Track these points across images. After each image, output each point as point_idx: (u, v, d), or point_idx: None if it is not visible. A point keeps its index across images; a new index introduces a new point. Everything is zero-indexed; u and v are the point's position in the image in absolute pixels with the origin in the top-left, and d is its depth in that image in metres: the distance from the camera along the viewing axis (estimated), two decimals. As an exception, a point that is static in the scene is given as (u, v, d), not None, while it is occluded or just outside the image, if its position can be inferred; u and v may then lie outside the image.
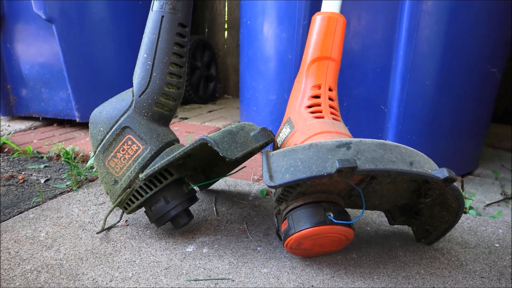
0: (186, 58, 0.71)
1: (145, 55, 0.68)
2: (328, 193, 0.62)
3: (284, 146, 0.64)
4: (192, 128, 1.47)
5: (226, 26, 2.26)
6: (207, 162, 0.83)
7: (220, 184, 0.96)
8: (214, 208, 0.83)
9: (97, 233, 0.71)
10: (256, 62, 1.18)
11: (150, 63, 0.68)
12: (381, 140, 0.51)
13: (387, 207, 0.71)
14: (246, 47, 1.23)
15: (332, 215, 0.58)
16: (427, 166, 0.52)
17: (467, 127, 1.08)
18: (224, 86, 2.44)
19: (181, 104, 1.94)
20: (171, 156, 0.62)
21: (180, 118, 1.68)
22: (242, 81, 1.30)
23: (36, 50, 1.47)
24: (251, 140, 0.62)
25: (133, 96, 0.68)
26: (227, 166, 0.86)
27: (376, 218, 0.80)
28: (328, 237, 0.60)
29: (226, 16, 2.23)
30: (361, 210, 0.83)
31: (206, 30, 2.31)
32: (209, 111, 1.84)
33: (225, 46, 2.33)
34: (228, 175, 0.80)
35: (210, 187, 0.94)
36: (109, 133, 0.67)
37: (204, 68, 2.05)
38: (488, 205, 0.94)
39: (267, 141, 0.64)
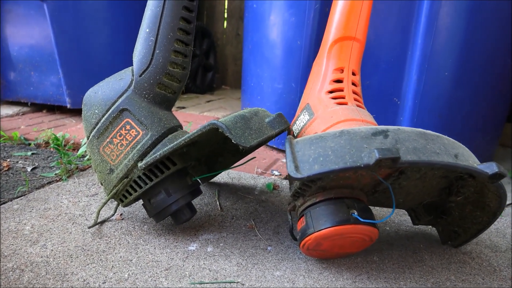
0: (192, 36, 0.64)
1: (147, 30, 0.61)
2: (351, 189, 0.55)
3: (302, 135, 0.58)
4: (191, 118, 1.39)
5: (225, 15, 2.18)
6: (211, 152, 0.76)
7: (223, 176, 0.89)
8: (218, 203, 0.76)
9: (89, 227, 0.63)
10: (261, 48, 1.10)
11: (153, 38, 0.60)
12: (420, 129, 0.45)
13: (412, 205, 0.64)
14: (251, 33, 1.15)
15: (356, 213, 0.52)
16: (471, 159, 0.45)
17: (482, 122, 1.02)
18: (222, 77, 2.36)
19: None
20: (175, 143, 0.54)
21: (177, 107, 1.60)
22: (245, 68, 1.22)
23: (26, 31, 1.38)
24: (266, 127, 0.55)
25: (132, 75, 0.61)
26: (232, 156, 0.79)
27: (394, 217, 0.74)
28: (351, 237, 0.53)
29: (226, 4, 2.15)
30: (384, 209, 0.77)
31: (205, 18, 2.23)
32: (208, 101, 1.76)
33: (224, 35, 2.25)
34: (234, 166, 0.73)
35: (212, 180, 0.87)
36: (105, 116, 0.60)
37: (202, 57, 1.97)
38: (507, 205, 0.89)
39: (283, 129, 0.57)
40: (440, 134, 0.45)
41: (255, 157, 0.77)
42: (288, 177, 0.61)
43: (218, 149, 0.76)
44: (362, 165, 0.39)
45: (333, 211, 0.52)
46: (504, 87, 1.01)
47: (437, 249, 0.63)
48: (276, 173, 0.97)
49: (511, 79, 1.02)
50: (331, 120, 0.54)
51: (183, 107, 1.59)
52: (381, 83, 1.00)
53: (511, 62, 0.97)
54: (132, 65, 0.62)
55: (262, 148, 1.14)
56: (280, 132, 0.57)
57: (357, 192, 0.55)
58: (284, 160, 1.06)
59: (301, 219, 0.56)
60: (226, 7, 2.15)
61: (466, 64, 0.93)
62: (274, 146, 1.14)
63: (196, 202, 0.76)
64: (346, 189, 0.55)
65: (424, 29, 0.90)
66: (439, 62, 0.92)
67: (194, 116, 1.43)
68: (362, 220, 0.50)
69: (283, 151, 1.14)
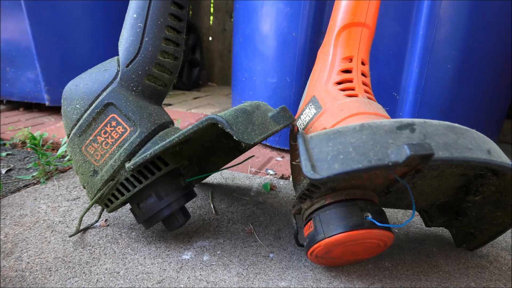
0: (185, 23, 0.58)
1: (134, 15, 0.54)
2: (363, 189, 0.50)
3: (308, 130, 0.52)
4: (178, 115, 1.33)
5: (212, 10, 2.11)
6: (204, 151, 0.70)
7: (216, 177, 0.84)
8: (212, 205, 0.70)
9: (70, 236, 0.57)
10: (253, 41, 1.05)
11: (141, 25, 0.54)
12: (447, 122, 0.40)
13: (424, 206, 0.60)
14: (242, 25, 1.09)
15: (370, 216, 0.47)
16: (503, 156, 0.41)
17: (484, 118, 0.99)
18: (209, 73, 2.30)
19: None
20: (168, 140, 0.48)
21: (163, 104, 1.53)
22: (235, 62, 1.16)
23: (1, 24, 1.30)
24: (269, 122, 0.49)
25: (118, 66, 0.55)
26: (226, 155, 0.73)
27: (402, 218, 0.69)
28: (365, 243, 0.48)
29: (212, -2, 2.08)
30: (390, 210, 0.72)
31: (190, 13, 2.15)
32: (195, 98, 1.69)
33: (210, 30, 2.18)
34: (230, 166, 0.67)
35: (205, 181, 0.81)
36: (88, 111, 0.54)
37: (188, 52, 1.90)
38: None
39: (288, 123, 0.52)
40: (468, 128, 0.41)
41: (254, 156, 0.71)
42: (293, 178, 0.55)
43: (211, 147, 0.70)
44: (390, 163, 0.34)
45: (346, 214, 0.47)
46: (505, 81, 0.98)
47: (451, 252, 0.59)
48: (271, 172, 0.92)
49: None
50: (341, 113, 0.49)
51: (170, 104, 1.52)
52: (379, 76, 0.96)
53: (513, 55, 0.93)
54: (118, 55, 0.56)
55: (255, 147, 1.09)
56: (285, 127, 0.52)
57: (369, 193, 0.50)
58: (279, 159, 1.01)
59: (309, 223, 0.50)
60: (212, 1, 2.09)
61: (470, 57, 0.89)
62: (267, 143, 1.08)
63: (188, 205, 0.70)
64: (358, 190, 0.49)
65: (426, 19, 0.86)
66: (442, 54, 0.87)
67: (181, 114, 1.36)
68: (378, 224, 0.45)
69: (277, 149, 1.08)
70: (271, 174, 0.90)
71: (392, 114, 0.98)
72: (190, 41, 1.90)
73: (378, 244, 0.49)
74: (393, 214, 0.70)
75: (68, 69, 1.31)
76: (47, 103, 1.30)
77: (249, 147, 0.63)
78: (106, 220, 0.64)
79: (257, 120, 0.48)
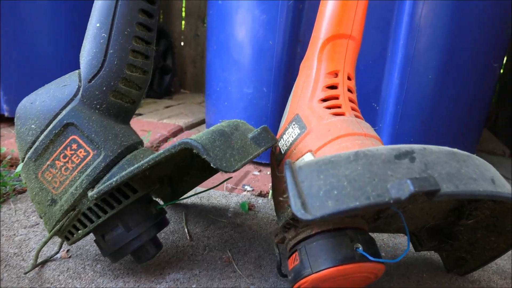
0: (154, 33, 0.53)
1: (97, 25, 0.49)
2: (352, 216, 0.46)
3: (292, 152, 0.48)
4: (149, 126, 1.26)
5: (183, 14, 2.05)
6: (176, 170, 0.65)
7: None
8: (186, 230, 0.65)
9: (25, 273, 0.50)
10: (228, 49, 1.00)
11: (105, 35, 0.48)
12: (446, 147, 0.36)
13: (413, 229, 0.56)
14: (216, 32, 1.04)
15: (361, 248, 0.43)
16: (506, 184, 0.37)
17: (464, 128, 0.97)
18: (181, 80, 2.23)
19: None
20: (136, 166, 0.43)
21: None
22: (209, 71, 1.11)
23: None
24: (250, 145, 0.45)
25: (80, 81, 0.49)
26: (201, 174, 0.68)
27: (388, 240, 0.66)
28: (355, 277, 0.44)
29: (184, 2, 2.02)
30: (383, 235, 0.68)
31: (161, 17, 2.09)
32: (166, 107, 1.63)
33: (182, 36, 2.12)
34: (205, 190, 0.62)
35: (178, 201, 0.76)
36: (45, 133, 0.47)
37: (159, 59, 1.84)
38: None
39: (270, 146, 0.47)
40: (469, 154, 0.37)
41: (231, 177, 0.66)
42: (275, 203, 0.51)
43: (184, 166, 0.65)
44: (391, 201, 0.30)
45: (334, 246, 0.43)
46: (485, 90, 0.96)
47: (442, 278, 0.56)
48: (249, 188, 0.87)
49: (493, 82, 0.98)
50: (328, 134, 0.45)
51: (140, 114, 1.45)
52: (359, 86, 0.92)
53: (493, 63, 0.92)
54: (79, 68, 0.50)
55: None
56: (266, 149, 0.47)
57: (358, 220, 0.46)
58: (256, 173, 0.96)
59: (294, 255, 0.46)
60: (184, 5, 2.03)
61: (450, 66, 0.87)
62: (243, 156, 1.03)
63: (160, 229, 0.65)
64: (347, 217, 0.45)
65: (407, 28, 0.83)
66: (423, 64, 0.85)
67: (153, 124, 1.30)
68: (371, 258, 0.41)
69: (253, 162, 1.03)
70: (248, 191, 0.85)
71: (372, 125, 0.95)
72: (161, 47, 1.83)
73: (368, 277, 0.45)
74: (379, 235, 0.67)
75: (29, 77, 1.22)
76: (6, 114, 1.21)
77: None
78: (67, 250, 0.57)
79: (236, 143, 0.43)
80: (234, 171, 0.39)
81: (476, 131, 1.02)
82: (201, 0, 2.01)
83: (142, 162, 0.43)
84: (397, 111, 0.89)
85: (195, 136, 0.42)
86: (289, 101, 0.53)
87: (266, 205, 0.76)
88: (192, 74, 2.21)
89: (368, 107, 0.94)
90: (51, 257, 0.55)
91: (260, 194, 0.83)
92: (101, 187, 0.45)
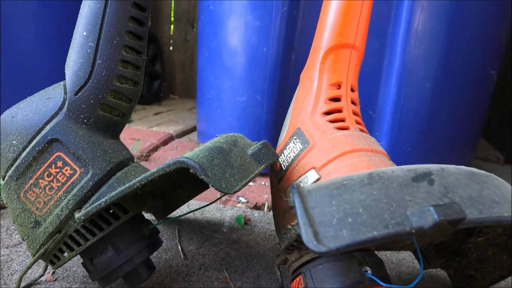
0: (145, 42, 0.50)
1: (84, 33, 0.45)
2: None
3: (294, 168, 0.45)
4: (138, 134, 1.22)
5: (172, 19, 2.02)
6: (169, 183, 0.62)
7: (182, 210, 0.75)
8: (180, 247, 0.62)
9: (7, 300, 0.47)
10: (220, 56, 0.97)
11: (92, 44, 0.45)
12: (464, 167, 0.34)
13: (420, 246, 0.54)
14: (207, 38, 1.01)
15: (369, 271, 0.40)
16: None
17: (462, 136, 0.96)
18: (170, 85, 2.19)
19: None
20: (127, 186, 0.40)
21: (121, 121, 1.42)
22: (201, 78, 1.08)
23: None
24: (250, 162, 0.42)
25: (65, 93, 0.45)
26: (195, 187, 0.65)
27: (391, 256, 0.63)
28: (364, 302, 0.41)
29: (172, 6, 1.99)
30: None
31: (150, 22, 2.05)
32: (156, 113, 1.59)
33: (171, 40, 2.08)
34: (204, 206, 0.59)
35: (171, 214, 0.72)
36: (27, 149, 0.44)
37: (148, 64, 1.80)
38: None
39: (271, 163, 0.44)
40: (488, 173, 0.35)
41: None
42: (275, 222, 0.48)
43: (177, 179, 0.62)
44: (413, 230, 0.27)
45: (342, 270, 0.40)
46: (482, 97, 0.95)
47: (449, 296, 0.53)
48: (243, 199, 0.84)
49: (490, 90, 0.96)
50: (333, 150, 0.42)
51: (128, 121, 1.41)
52: (355, 95, 0.91)
53: (490, 70, 0.91)
54: (65, 80, 0.46)
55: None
56: (267, 167, 0.44)
57: (364, 240, 0.44)
58: (250, 183, 0.93)
59: (297, 279, 0.43)
60: (173, 9, 1.99)
61: (449, 74, 0.85)
62: (237, 166, 1.00)
63: (152, 247, 0.61)
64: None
65: (405, 35, 0.81)
66: (421, 72, 0.83)
67: (142, 132, 1.26)
68: (381, 283, 0.38)
69: (247, 172, 1.00)
70: (243, 202, 0.82)
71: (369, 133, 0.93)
72: (150, 52, 1.79)
73: (377, 302, 0.42)
74: (382, 251, 0.64)
75: (13, 87, 1.18)
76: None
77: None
78: (53, 272, 0.54)
79: (236, 161, 0.40)
80: (235, 192, 0.36)
81: (474, 139, 1.00)
82: (190, 4, 1.98)
83: (133, 181, 0.40)
84: (395, 120, 0.87)
85: (191, 153, 0.39)
86: (288, 114, 0.50)
87: (262, 218, 0.73)
88: (181, 79, 2.18)
89: (364, 114, 0.92)
90: (35, 281, 0.51)
91: (256, 206, 0.80)
92: (89, 208, 0.42)
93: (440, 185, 0.30)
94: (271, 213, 0.75)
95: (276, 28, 0.87)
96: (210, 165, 0.37)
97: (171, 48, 2.11)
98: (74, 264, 0.56)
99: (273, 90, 0.90)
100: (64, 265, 0.55)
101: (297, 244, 0.42)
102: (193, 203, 0.77)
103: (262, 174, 0.98)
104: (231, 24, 0.93)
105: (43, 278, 0.52)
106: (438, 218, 0.26)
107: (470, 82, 0.89)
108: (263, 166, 0.43)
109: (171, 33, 2.06)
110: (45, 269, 0.52)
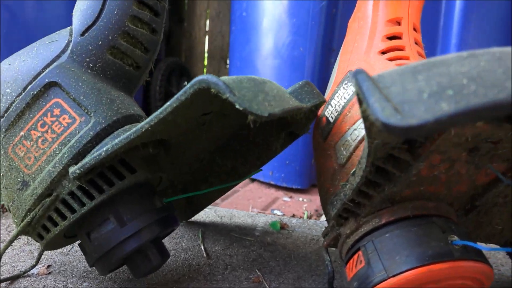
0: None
1: (96, -32, 0.39)
2: (437, 201, 0.32)
3: (346, 116, 0.35)
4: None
5: (206, 55, 2.02)
6: (192, 175, 0.52)
7: (207, 214, 0.64)
8: (203, 247, 0.51)
9: (-17, 286, 0.37)
10: (252, 62, 0.90)
11: (104, -22, 0.39)
12: None
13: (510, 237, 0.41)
14: (239, 47, 0.96)
15: (458, 240, 0.29)
16: None
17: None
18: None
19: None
20: (134, 129, 0.31)
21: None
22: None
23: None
24: (290, 97, 0.33)
25: (70, 35, 0.39)
26: (221, 182, 0.55)
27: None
28: (452, 284, 0.29)
29: (206, 44, 2.00)
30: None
31: (184, 59, 2.06)
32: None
33: (204, 78, 2.07)
34: (230, 185, 0.49)
35: (193, 219, 0.62)
36: (21, 96, 0.37)
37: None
38: None
39: (317, 103, 0.35)
40: None
41: (261, 170, 0.51)
42: (321, 196, 0.38)
43: (201, 170, 0.53)
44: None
45: (420, 238, 0.29)
46: None
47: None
48: (278, 213, 0.73)
49: None
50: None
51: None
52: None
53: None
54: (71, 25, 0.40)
55: (256, 185, 0.91)
56: (312, 108, 0.35)
57: (444, 207, 0.32)
58: (287, 199, 0.82)
59: (355, 257, 0.32)
60: (206, 47, 2.00)
61: None
62: (271, 182, 0.90)
63: (168, 246, 0.51)
64: (430, 202, 0.32)
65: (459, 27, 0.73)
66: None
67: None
68: (475, 246, 0.27)
69: (283, 188, 0.89)
70: (278, 215, 0.71)
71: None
72: (182, 84, 1.79)
73: (470, 286, 0.30)
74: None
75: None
76: None
77: (260, 144, 0.46)
78: (48, 266, 0.44)
79: (271, 91, 0.31)
80: (270, 115, 0.27)
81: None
82: (223, 41, 1.98)
83: (142, 123, 0.31)
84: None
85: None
86: (336, 63, 0.41)
87: (302, 224, 0.61)
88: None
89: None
90: (25, 272, 0.42)
91: (294, 216, 0.69)
92: (86, 160, 0.33)
93: None
94: (311, 220, 0.63)
95: (314, 24, 0.80)
96: (238, 86, 0.28)
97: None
98: (75, 258, 0.46)
99: (311, 92, 0.82)
100: (63, 259, 0.46)
101: (353, 207, 0.31)
102: (221, 210, 0.67)
103: (298, 191, 0.87)
104: (264, 27, 0.87)
105: (34, 271, 0.43)
106: None
107: None
108: (308, 104, 0.33)
109: (205, 71, 2.05)
110: (38, 260, 0.42)
